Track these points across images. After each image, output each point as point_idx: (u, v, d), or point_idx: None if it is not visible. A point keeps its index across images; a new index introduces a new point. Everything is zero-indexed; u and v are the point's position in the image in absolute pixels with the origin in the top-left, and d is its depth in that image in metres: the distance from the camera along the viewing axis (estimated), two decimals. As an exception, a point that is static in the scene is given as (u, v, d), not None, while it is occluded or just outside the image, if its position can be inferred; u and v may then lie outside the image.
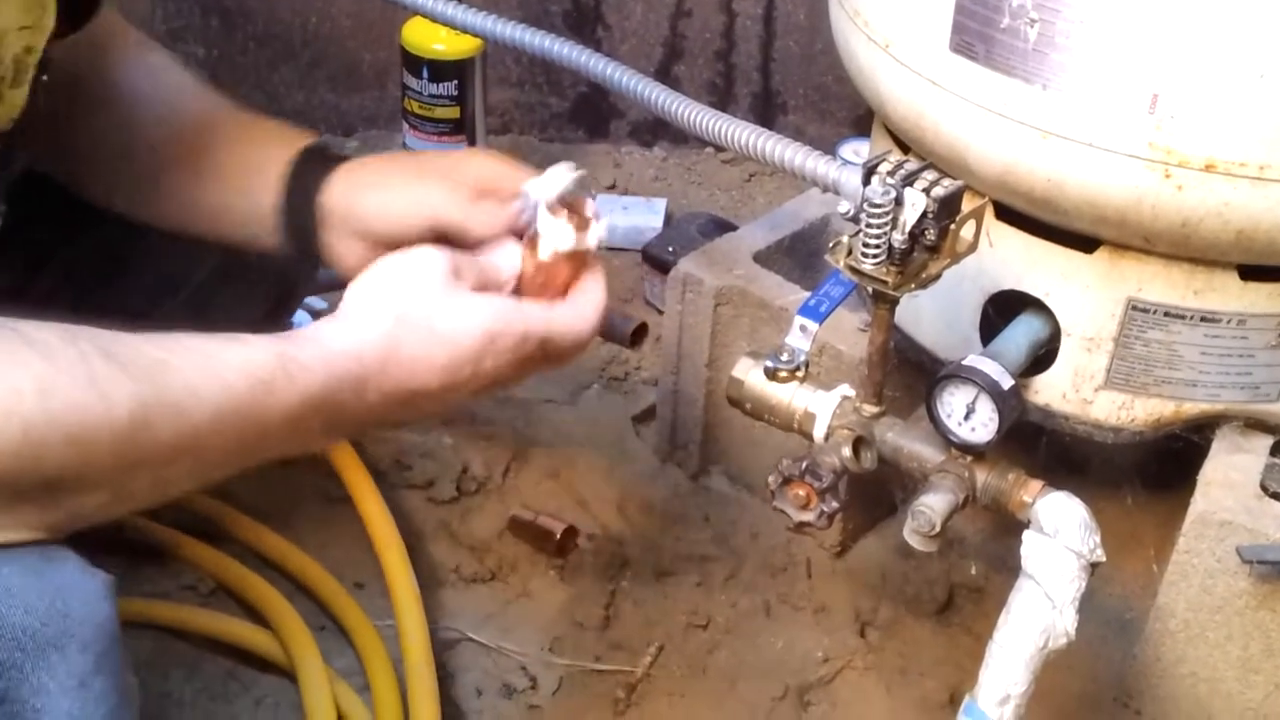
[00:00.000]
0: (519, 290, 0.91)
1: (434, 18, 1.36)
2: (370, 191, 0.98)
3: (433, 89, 1.78)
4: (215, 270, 1.17)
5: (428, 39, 1.75)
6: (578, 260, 0.91)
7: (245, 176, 1.02)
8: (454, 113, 1.80)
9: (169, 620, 1.24)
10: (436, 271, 0.84)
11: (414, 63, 1.77)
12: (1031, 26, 1.01)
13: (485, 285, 0.88)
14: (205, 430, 0.74)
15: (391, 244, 0.91)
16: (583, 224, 0.90)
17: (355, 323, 0.81)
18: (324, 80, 1.97)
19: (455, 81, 1.78)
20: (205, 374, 0.74)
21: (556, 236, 0.89)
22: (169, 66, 1.11)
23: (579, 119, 2.06)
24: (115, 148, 1.07)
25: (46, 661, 0.67)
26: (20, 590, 0.68)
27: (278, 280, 1.22)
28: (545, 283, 0.91)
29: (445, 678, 1.20)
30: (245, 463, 0.79)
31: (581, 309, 0.90)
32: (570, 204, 0.91)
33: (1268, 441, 1.14)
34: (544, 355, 0.88)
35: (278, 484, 1.42)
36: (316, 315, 1.64)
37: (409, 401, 0.84)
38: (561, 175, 0.91)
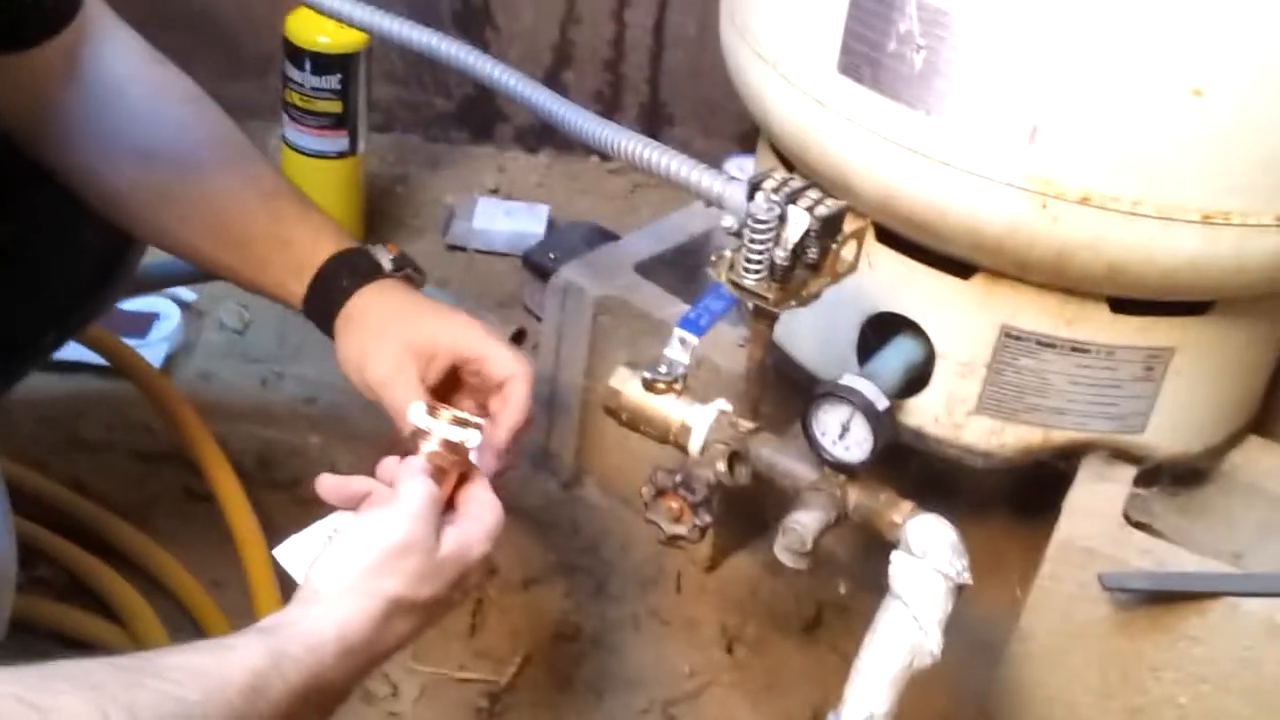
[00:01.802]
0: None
1: (320, 9, 1.33)
2: (366, 347, 1.03)
3: (315, 82, 1.74)
4: (48, 228, 1.14)
5: (312, 30, 1.72)
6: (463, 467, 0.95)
7: (275, 270, 1.07)
8: (336, 107, 1.76)
9: (19, 613, 1.20)
10: (389, 541, 0.86)
11: (297, 54, 1.74)
12: (918, 53, 1.02)
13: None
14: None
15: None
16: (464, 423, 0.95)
17: (335, 604, 0.83)
18: (204, 66, 1.92)
19: (339, 75, 1.75)
20: (214, 706, 0.73)
21: (451, 433, 0.94)
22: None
23: (464, 120, 2.04)
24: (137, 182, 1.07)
25: None
26: None
27: (110, 251, 1.19)
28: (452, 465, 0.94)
29: (305, 683, 1.17)
30: None
31: (472, 526, 0.92)
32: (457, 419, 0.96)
33: (1132, 471, 1.17)
34: (476, 564, 0.92)
35: (138, 479, 1.39)
36: (183, 305, 1.60)
37: (387, 655, 0.87)
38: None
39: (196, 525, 1.32)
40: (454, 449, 0.94)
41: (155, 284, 1.49)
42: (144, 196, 1.07)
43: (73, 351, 1.37)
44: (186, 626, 1.22)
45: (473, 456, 0.95)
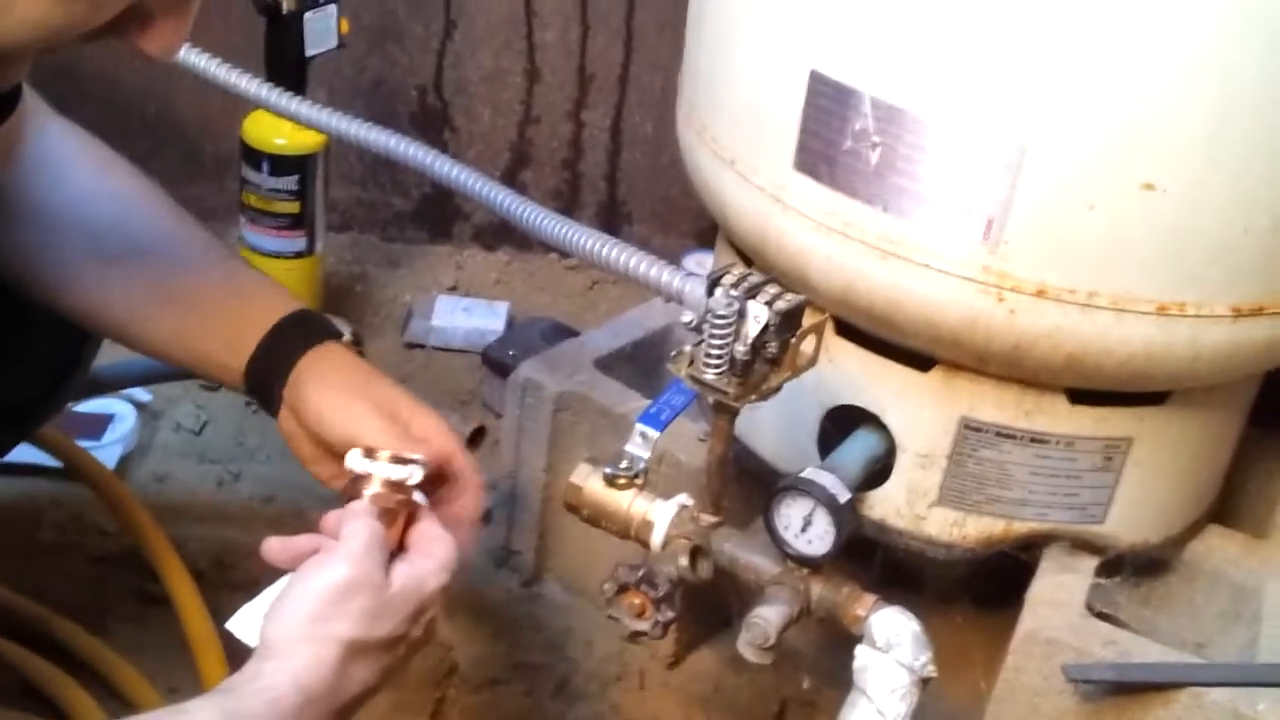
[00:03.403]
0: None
1: (279, 112, 1.34)
2: (327, 403, 0.99)
3: (273, 183, 1.75)
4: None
5: (270, 132, 1.73)
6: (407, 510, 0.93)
7: (224, 332, 1.03)
8: (294, 207, 1.77)
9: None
10: (332, 583, 0.85)
11: (254, 156, 1.74)
12: (873, 150, 1.04)
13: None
14: None
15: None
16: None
17: (289, 656, 0.82)
18: (161, 169, 1.92)
19: (296, 176, 1.75)
20: None
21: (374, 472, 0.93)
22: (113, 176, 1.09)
23: (422, 219, 2.05)
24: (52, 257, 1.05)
25: None
26: None
27: (63, 352, 1.18)
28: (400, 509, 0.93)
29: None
30: None
31: (428, 558, 0.91)
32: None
33: (1094, 562, 1.17)
34: (432, 594, 0.90)
35: (95, 582, 1.37)
36: (139, 407, 1.59)
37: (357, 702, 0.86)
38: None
39: (153, 629, 1.30)
40: (397, 488, 0.92)
41: (110, 385, 1.48)
42: (92, 274, 1.05)
43: (26, 454, 1.36)
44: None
45: (416, 496, 0.93)
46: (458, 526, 0.96)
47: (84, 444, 1.46)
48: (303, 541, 0.91)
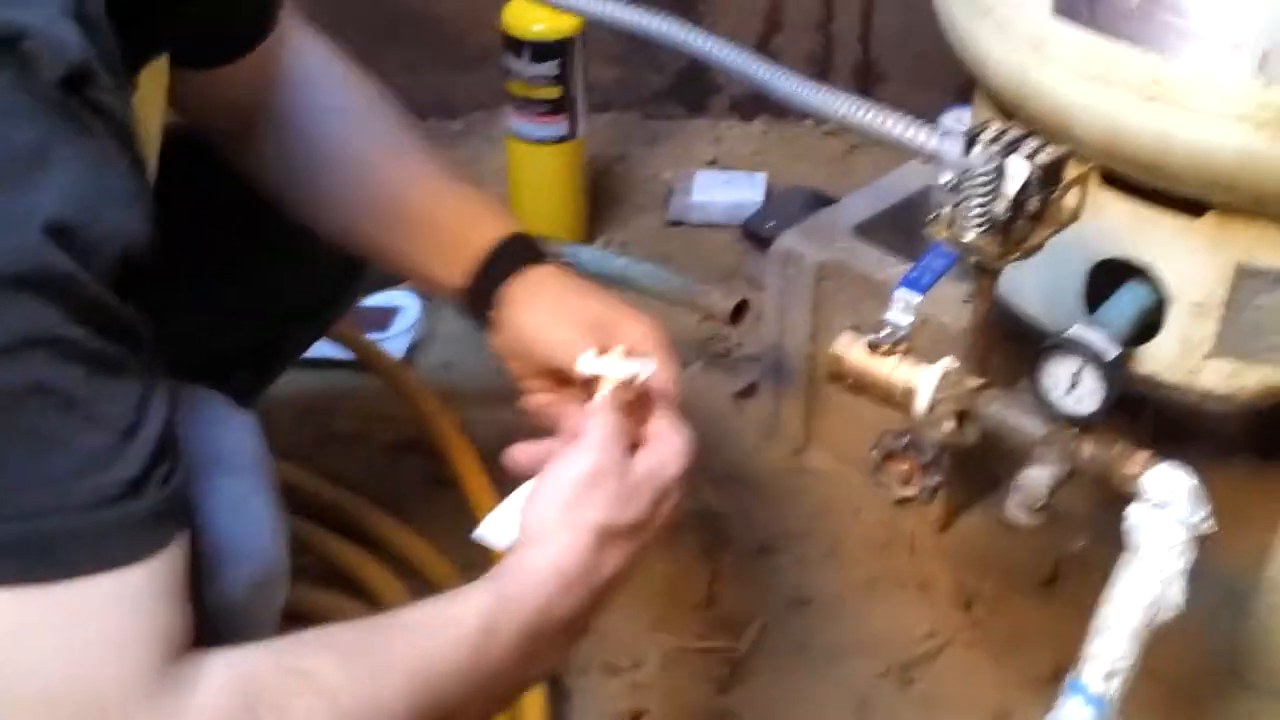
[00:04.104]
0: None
1: (533, -2, 1.36)
2: (541, 320, 1.02)
3: (534, 69, 1.78)
4: (289, 235, 1.19)
5: (528, 20, 1.76)
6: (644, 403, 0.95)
7: (443, 253, 1.07)
8: (555, 92, 1.80)
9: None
10: (580, 473, 0.88)
11: (515, 44, 1.78)
12: (1136, -13, 0.99)
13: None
14: (457, 696, 0.79)
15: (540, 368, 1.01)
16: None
17: (546, 543, 0.86)
18: (428, 63, 1.98)
19: (556, 61, 1.78)
20: (451, 648, 0.79)
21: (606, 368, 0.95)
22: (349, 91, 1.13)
23: (679, 95, 2.05)
24: (294, 170, 1.10)
25: (210, 482, 0.73)
26: (180, 421, 0.71)
27: (338, 271, 1.23)
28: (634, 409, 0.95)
29: (549, 655, 1.20)
30: (484, 708, 0.84)
31: (663, 447, 0.93)
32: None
33: (1386, 409, 1.11)
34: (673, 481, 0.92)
35: (387, 468, 1.44)
36: (423, 298, 1.65)
37: (611, 586, 0.89)
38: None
39: (445, 511, 1.36)
40: (629, 384, 0.95)
41: (394, 279, 1.55)
42: (325, 184, 1.10)
43: (321, 349, 1.43)
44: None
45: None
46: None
47: (372, 336, 1.54)
48: (545, 446, 0.95)
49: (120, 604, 0.68)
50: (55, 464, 0.66)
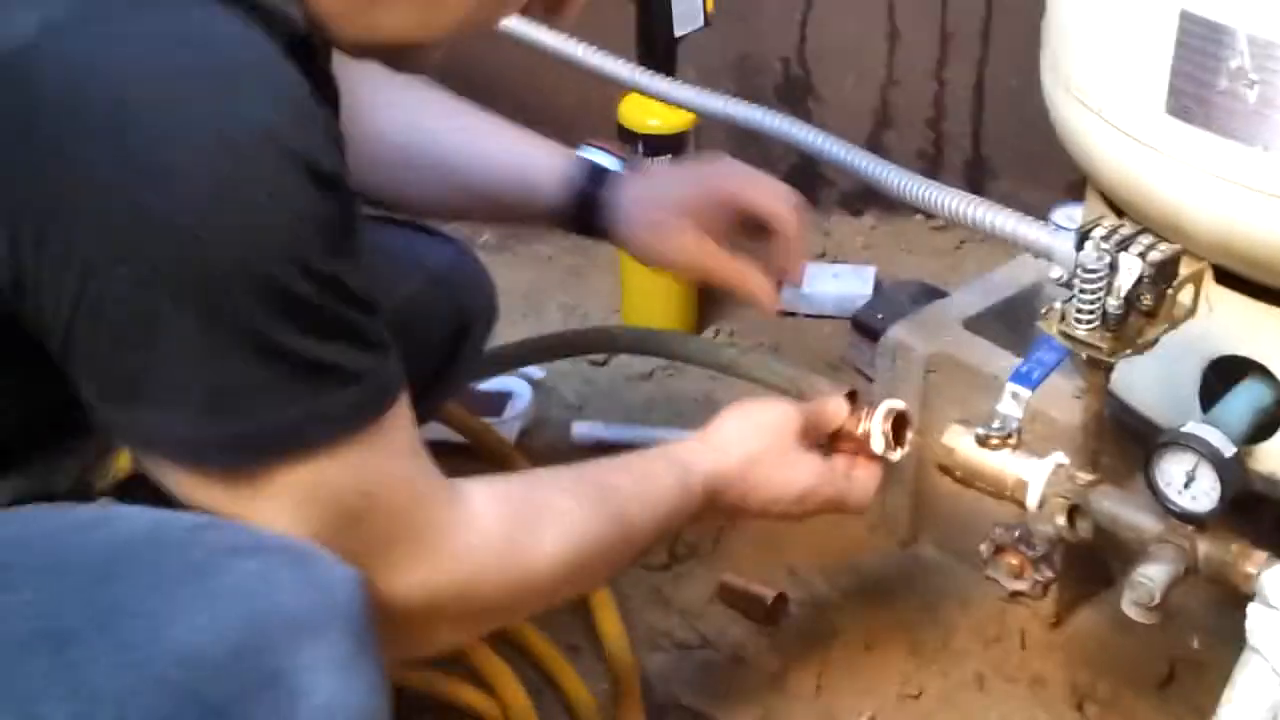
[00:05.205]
0: (834, 438, 1.14)
1: (651, 94, 1.40)
2: (651, 233, 1.20)
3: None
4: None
5: (643, 114, 1.80)
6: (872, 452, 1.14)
7: (522, 194, 1.22)
8: (668, 186, 1.83)
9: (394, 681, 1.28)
10: (788, 430, 1.09)
11: (630, 137, 1.82)
12: (1251, 88, 0.99)
13: (817, 430, 1.12)
14: (651, 537, 1.02)
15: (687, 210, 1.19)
16: (898, 442, 1.13)
17: (724, 453, 1.06)
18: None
19: (670, 155, 1.81)
20: (663, 496, 1.02)
21: (880, 441, 1.12)
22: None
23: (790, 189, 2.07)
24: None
25: (314, 643, 0.74)
26: (290, 581, 0.75)
27: (451, 330, 1.26)
28: (853, 450, 1.14)
29: (660, 744, 1.21)
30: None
31: (866, 484, 1.14)
32: (898, 420, 1.13)
33: None
34: (835, 506, 1.12)
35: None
36: (533, 383, 1.68)
37: (738, 514, 1.15)
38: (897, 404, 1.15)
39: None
40: (866, 444, 1.12)
41: (507, 364, 1.58)
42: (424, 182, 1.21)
43: (435, 431, 1.45)
44: (546, 690, 1.28)
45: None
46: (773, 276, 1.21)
47: (486, 420, 1.56)
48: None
49: (409, 427, 0.83)
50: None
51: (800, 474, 1.09)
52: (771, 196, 1.21)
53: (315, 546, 0.78)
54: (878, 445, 1.11)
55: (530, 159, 1.22)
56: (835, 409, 1.13)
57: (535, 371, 1.71)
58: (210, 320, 0.72)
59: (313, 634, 0.74)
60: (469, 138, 1.22)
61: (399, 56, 0.88)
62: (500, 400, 1.66)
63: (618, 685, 1.25)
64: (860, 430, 1.12)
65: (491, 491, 0.90)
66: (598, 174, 1.21)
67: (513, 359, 1.58)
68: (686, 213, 1.19)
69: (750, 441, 1.08)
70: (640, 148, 1.80)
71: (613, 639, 1.29)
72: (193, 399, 0.75)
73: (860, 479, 1.13)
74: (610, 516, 0.96)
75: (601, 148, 1.24)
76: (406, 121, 1.19)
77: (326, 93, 0.82)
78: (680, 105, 1.38)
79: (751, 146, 2.04)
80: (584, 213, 1.20)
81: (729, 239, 1.21)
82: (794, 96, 2.00)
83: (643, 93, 1.39)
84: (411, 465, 0.85)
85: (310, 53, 0.79)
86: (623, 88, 1.48)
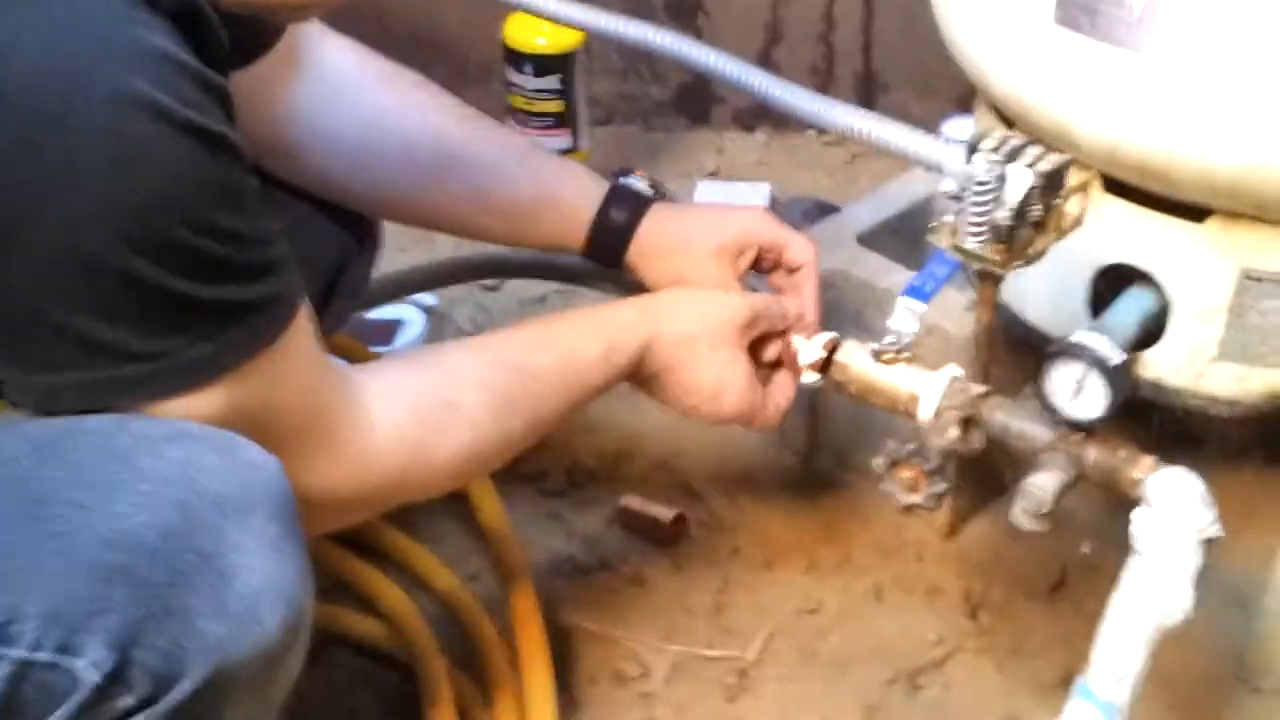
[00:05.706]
0: (760, 342, 1.15)
1: (536, 12, 1.37)
2: (680, 267, 1.18)
3: (536, 84, 1.79)
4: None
5: (530, 34, 1.77)
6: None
7: (552, 225, 1.21)
8: (558, 106, 1.81)
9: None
10: (732, 323, 1.10)
11: (517, 58, 1.79)
12: (1136, -4, 0.99)
13: (766, 324, 1.13)
14: (562, 418, 1.05)
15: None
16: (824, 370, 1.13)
17: (658, 324, 1.08)
18: (430, 78, 1.99)
19: (558, 75, 1.79)
20: (582, 376, 1.04)
21: (811, 353, 1.13)
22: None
23: (681, 107, 2.06)
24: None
25: (244, 524, 0.75)
26: (217, 465, 0.76)
27: (330, 268, 1.24)
28: (770, 365, 1.16)
29: (560, 666, 1.21)
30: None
31: (779, 403, 1.16)
32: (832, 350, 1.13)
33: (1391, 412, 1.11)
34: (745, 418, 1.13)
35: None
36: (426, 310, 1.66)
37: (652, 389, 1.12)
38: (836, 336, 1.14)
39: (450, 522, 1.37)
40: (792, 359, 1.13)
41: (397, 291, 1.56)
42: (413, 183, 1.17)
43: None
44: (446, 620, 1.26)
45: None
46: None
47: (376, 350, 1.54)
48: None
49: (309, 334, 0.84)
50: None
51: (726, 371, 1.10)
52: (800, 247, 1.20)
53: (238, 435, 0.78)
54: (806, 357, 1.12)
55: (561, 182, 1.22)
56: (793, 309, 1.15)
57: (428, 298, 1.69)
58: (95, 275, 0.73)
59: (241, 516, 0.75)
60: (499, 151, 1.21)
61: (283, 11, 0.89)
62: (391, 329, 1.63)
63: (517, 611, 1.24)
64: (795, 346, 1.13)
65: (401, 390, 0.94)
66: (632, 199, 1.21)
67: (404, 286, 1.55)
68: (711, 248, 1.18)
69: (691, 321, 1.09)
70: (529, 68, 1.77)
71: (512, 561, 1.28)
72: (97, 349, 0.75)
73: (774, 396, 1.14)
74: (522, 406, 0.99)
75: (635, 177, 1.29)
76: (421, 126, 1.18)
77: (218, 54, 0.79)
78: (567, 23, 1.35)
79: (641, 64, 2.03)
80: (609, 238, 1.20)
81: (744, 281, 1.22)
82: (683, 12, 1.98)
83: (528, 11, 1.36)
84: (314, 375, 0.87)
85: (200, 20, 0.77)
86: (507, 7, 1.45)
